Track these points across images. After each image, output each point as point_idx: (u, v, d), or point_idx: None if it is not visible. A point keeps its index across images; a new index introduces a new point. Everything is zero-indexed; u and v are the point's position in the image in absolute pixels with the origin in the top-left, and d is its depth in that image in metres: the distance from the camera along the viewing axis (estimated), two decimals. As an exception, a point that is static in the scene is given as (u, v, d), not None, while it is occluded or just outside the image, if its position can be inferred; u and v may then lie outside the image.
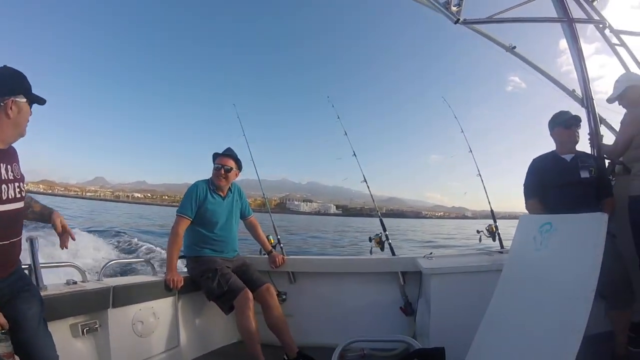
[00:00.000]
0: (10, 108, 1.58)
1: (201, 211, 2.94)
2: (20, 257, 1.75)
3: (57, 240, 1.89)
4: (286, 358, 2.84)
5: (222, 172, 3.02)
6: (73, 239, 1.93)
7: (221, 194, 3.07)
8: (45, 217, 1.88)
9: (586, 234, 1.39)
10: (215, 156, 3.11)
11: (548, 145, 2.74)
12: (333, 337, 1.72)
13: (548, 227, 1.66)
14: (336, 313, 3.29)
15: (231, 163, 3.06)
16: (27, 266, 2.02)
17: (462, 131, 4.01)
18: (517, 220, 2.07)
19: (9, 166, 1.59)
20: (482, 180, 3.86)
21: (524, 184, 2.71)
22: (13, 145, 1.69)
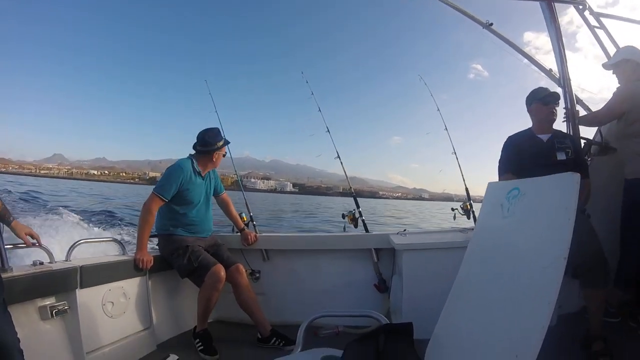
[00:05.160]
0: None
1: (181, 191, 2.82)
2: None
3: (23, 220, 1.84)
4: (260, 336, 2.85)
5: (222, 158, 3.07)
6: (39, 243, 2.12)
7: (202, 174, 2.98)
8: (4, 221, 1.95)
9: (556, 196, 1.30)
10: (206, 135, 2.96)
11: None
12: (307, 315, 1.69)
13: (515, 192, 1.56)
14: (310, 290, 3.29)
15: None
16: None
17: (438, 109, 4.00)
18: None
19: None
20: (457, 158, 3.87)
21: (499, 160, 2.69)
22: None
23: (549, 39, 2.98)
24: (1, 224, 1.99)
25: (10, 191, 19.99)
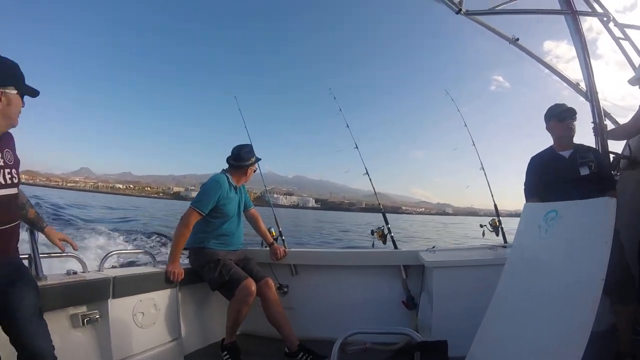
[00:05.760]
0: (0, 99, 1.53)
1: (218, 206, 2.90)
2: (20, 248, 1.73)
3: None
4: (287, 351, 2.85)
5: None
6: (75, 248, 2.17)
7: (236, 189, 3.06)
8: (37, 227, 1.96)
9: (594, 220, 1.32)
10: (241, 151, 3.07)
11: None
12: (334, 330, 1.70)
13: (553, 214, 1.59)
14: (338, 306, 3.27)
15: None
16: (26, 256, 2.00)
17: (465, 124, 3.97)
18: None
19: None
20: (485, 174, 3.74)
21: (524, 184, 2.67)
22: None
23: (569, 47, 2.97)
24: (35, 233, 2.02)
25: (39, 204, 20.77)
